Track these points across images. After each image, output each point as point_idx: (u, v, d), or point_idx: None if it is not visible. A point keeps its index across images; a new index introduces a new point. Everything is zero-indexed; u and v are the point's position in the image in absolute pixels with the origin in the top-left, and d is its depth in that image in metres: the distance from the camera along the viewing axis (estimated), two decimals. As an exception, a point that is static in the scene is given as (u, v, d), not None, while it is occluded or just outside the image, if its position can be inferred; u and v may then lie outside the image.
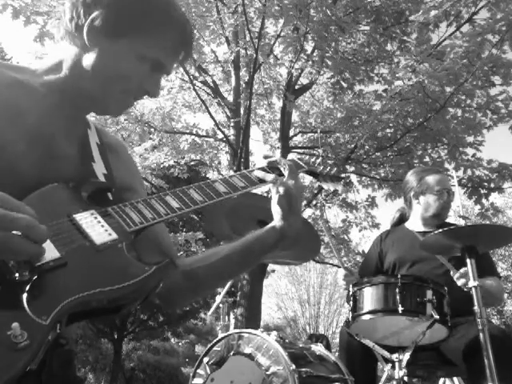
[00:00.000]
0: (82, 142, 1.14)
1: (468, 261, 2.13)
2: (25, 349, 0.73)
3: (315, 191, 8.47)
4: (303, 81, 9.11)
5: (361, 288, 2.24)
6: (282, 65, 8.51)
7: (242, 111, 8.29)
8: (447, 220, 2.87)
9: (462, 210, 2.67)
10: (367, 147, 8.31)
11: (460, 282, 2.24)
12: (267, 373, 2.03)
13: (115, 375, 14.67)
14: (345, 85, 8.62)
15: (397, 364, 2.11)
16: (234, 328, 2.38)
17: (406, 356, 2.10)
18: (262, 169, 1.27)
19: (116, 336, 14.92)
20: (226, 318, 2.60)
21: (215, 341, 2.28)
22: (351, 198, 9.43)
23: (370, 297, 2.20)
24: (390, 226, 3.04)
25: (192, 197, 1.10)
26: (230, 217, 2.20)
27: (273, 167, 1.28)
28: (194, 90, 8.11)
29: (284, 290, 23.81)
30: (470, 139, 7.80)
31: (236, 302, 7.84)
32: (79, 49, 1.08)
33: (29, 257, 0.79)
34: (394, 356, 2.14)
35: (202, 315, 15.98)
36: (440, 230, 2.15)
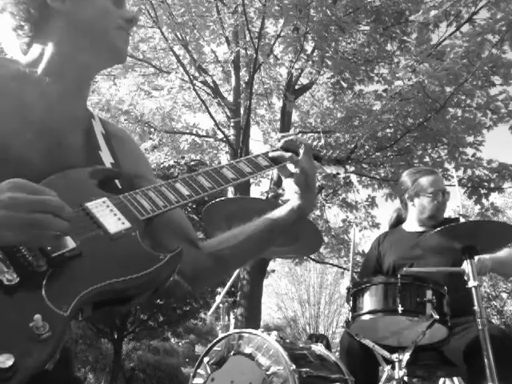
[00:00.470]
0: (88, 131, 1.15)
1: (468, 261, 2.13)
2: (47, 340, 0.73)
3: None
4: (303, 81, 9.13)
5: (361, 288, 2.24)
6: (282, 65, 8.51)
7: (242, 111, 8.29)
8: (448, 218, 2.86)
9: (461, 209, 2.68)
10: (367, 147, 8.31)
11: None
12: (267, 373, 2.03)
13: (115, 375, 14.66)
14: (345, 85, 8.63)
15: (397, 364, 2.12)
16: (234, 328, 2.38)
17: (406, 356, 2.10)
18: (277, 150, 1.28)
19: (116, 336, 14.91)
20: (226, 318, 2.60)
21: (215, 341, 2.28)
22: (351, 197, 9.44)
23: (369, 297, 2.20)
24: (388, 227, 3.04)
25: (201, 184, 1.11)
26: (230, 221, 2.20)
27: (286, 148, 1.30)
28: (194, 90, 8.11)
29: (284, 290, 23.83)
30: (470, 139, 7.81)
31: (236, 302, 7.84)
32: (53, 24, 1.10)
33: (66, 234, 0.83)
34: (394, 356, 2.14)
35: (202, 315, 15.96)
36: (439, 229, 2.14)
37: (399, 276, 2.19)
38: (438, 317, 2.05)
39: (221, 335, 2.29)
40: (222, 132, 8.13)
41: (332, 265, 10.72)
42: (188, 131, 8.61)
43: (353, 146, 8.09)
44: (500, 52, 6.74)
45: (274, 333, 2.20)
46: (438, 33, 8.20)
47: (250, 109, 7.86)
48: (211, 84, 8.54)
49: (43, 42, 1.11)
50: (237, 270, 2.69)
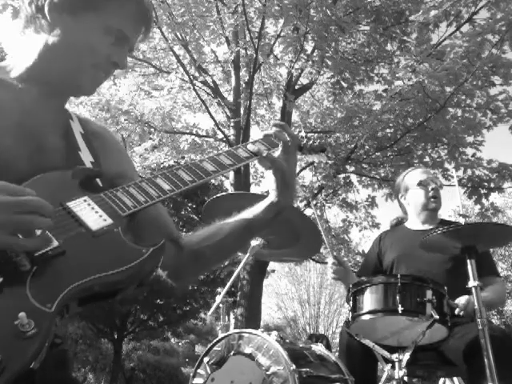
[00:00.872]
0: (66, 132, 1.15)
1: (468, 261, 2.13)
2: (33, 337, 0.74)
3: (315, 191, 8.47)
4: (303, 81, 9.13)
5: (361, 288, 2.24)
6: (282, 65, 8.51)
7: (242, 111, 8.28)
8: (447, 219, 2.87)
9: (461, 209, 2.68)
10: (367, 147, 8.31)
11: (460, 312, 2.25)
12: (267, 373, 2.03)
13: (115, 375, 14.66)
14: (345, 85, 8.63)
15: (397, 364, 2.11)
16: (234, 328, 2.37)
17: (406, 356, 2.10)
18: (260, 142, 1.29)
19: (116, 336, 14.91)
20: (226, 318, 2.59)
21: (215, 341, 2.27)
22: (351, 197, 9.44)
23: (369, 297, 2.20)
24: (389, 227, 3.05)
25: (182, 178, 1.11)
26: (231, 217, 2.21)
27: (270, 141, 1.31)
28: (194, 90, 8.11)
29: (284, 290, 23.84)
30: (470, 139, 7.81)
31: (236, 302, 7.84)
32: (44, 32, 1.09)
33: (50, 230, 0.84)
34: (394, 356, 2.14)
35: (202, 315, 15.96)
36: (440, 229, 2.15)
37: (399, 276, 2.19)
38: (437, 317, 2.05)
39: (221, 335, 2.28)
40: (222, 132, 8.13)
41: (332, 265, 10.69)
42: (188, 131, 8.60)
43: (353, 145, 8.09)
44: (500, 52, 6.74)
45: (274, 333, 2.19)
46: (438, 33, 8.23)
47: (249, 109, 7.86)
48: (211, 84, 8.53)
49: (29, 43, 1.11)
50: (237, 270, 2.68)
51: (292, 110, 8.74)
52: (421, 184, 2.76)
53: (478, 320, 2.00)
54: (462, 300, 2.28)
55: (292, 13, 6.90)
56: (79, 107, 7.87)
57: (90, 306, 0.91)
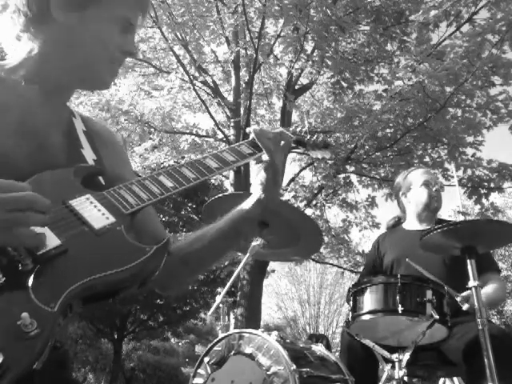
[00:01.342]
0: (69, 129, 1.14)
1: (468, 261, 2.13)
2: (36, 337, 0.74)
3: (315, 191, 8.47)
4: (303, 81, 9.12)
5: (361, 288, 2.24)
6: (282, 65, 8.51)
7: (242, 111, 8.28)
8: (445, 218, 2.88)
9: (461, 209, 2.68)
10: (367, 147, 8.31)
11: (465, 307, 2.25)
12: (268, 373, 2.03)
13: (115, 375, 14.66)
14: (345, 85, 8.62)
15: (397, 364, 2.11)
16: (234, 328, 2.37)
17: (406, 356, 2.10)
18: (252, 143, 1.28)
19: (116, 336, 14.91)
20: (226, 318, 2.59)
21: (216, 340, 2.27)
22: (351, 197, 9.43)
23: (369, 297, 2.20)
24: (386, 229, 3.06)
25: (185, 175, 1.10)
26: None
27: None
28: (194, 90, 8.11)
29: (284, 290, 23.83)
30: (470, 139, 7.81)
31: (236, 302, 7.84)
32: (48, 32, 1.08)
33: (46, 226, 0.82)
34: (394, 356, 2.14)
35: (202, 315, 15.95)
36: (439, 226, 2.14)
37: (399, 276, 2.19)
38: (438, 317, 2.05)
39: (221, 335, 2.28)
40: (222, 132, 8.13)
41: (332, 265, 10.70)
42: (188, 131, 8.60)
43: (353, 146, 8.09)
44: (500, 52, 6.74)
45: (275, 333, 2.19)
46: (438, 33, 8.21)
47: (249, 109, 7.86)
48: (211, 84, 8.54)
49: (32, 43, 1.10)
50: (237, 270, 2.69)
51: (292, 110, 8.74)
52: (425, 183, 2.76)
53: (478, 320, 2.00)
54: (464, 293, 2.28)
55: (292, 13, 6.90)
56: (79, 107, 7.86)
57: (92, 305, 0.90)
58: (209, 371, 2.20)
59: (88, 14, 1.07)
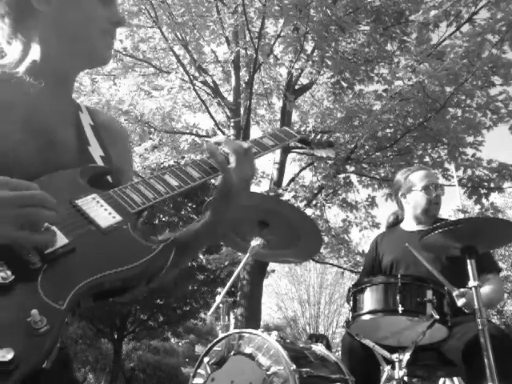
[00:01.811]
0: (76, 125, 1.15)
1: (468, 261, 2.13)
2: (46, 334, 0.75)
3: (315, 191, 8.47)
4: (303, 81, 9.12)
5: (361, 288, 2.24)
6: (282, 65, 8.51)
7: (242, 111, 8.28)
8: (442, 217, 2.87)
9: (461, 207, 2.67)
10: (367, 147, 8.30)
11: (460, 303, 2.24)
12: (268, 373, 2.03)
13: (115, 375, 14.66)
14: (345, 85, 8.62)
15: (397, 364, 2.11)
16: (234, 328, 2.37)
17: (406, 356, 2.10)
18: (268, 138, 1.29)
19: (116, 336, 14.91)
20: (226, 318, 2.59)
21: (216, 341, 2.27)
22: (351, 197, 9.42)
23: (370, 297, 2.20)
24: (386, 228, 3.04)
25: (190, 174, 1.11)
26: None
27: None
28: (194, 90, 8.11)
29: (284, 290, 23.83)
30: (470, 139, 7.81)
31: (236, 302, 7.84)
32: (37, 25, 1.09)
33: (53, 223, 0.84)
34: (394, 356, 2.14)
35: (202, 315, 15.95)
36: (438, 226, 2.14)
37: (399, 276, 2.19)
38: (438, 317, 2.05)
39: (221, 335, 2.28)
40: (222, 132, 8.13)
41: (332, 265, 10.69)
42: (188, 131, 8.60)
43: (353, 146, 8.08)
44: (500, 52, 6.74)
45: (275, 333, 2.19)
46: (438, 33, 8.25)
47: (249, 109, 7.86)
48: (211, 84, 8.54)
49: (25, 40, 1.11)
50: (237, 270, 2.68)
51: (292, 110, 8.74)
52: (426, 188, 2.72)
53: (478, 320, 2.00)
54: (461, 289, 2.27)
55: (292, 13, 6.90)
56: (79, 107, 7.85)
57: (97, 303, 0.92)
58: (209, 371, 2.20)
59: None
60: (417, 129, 7.75)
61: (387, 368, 2.16)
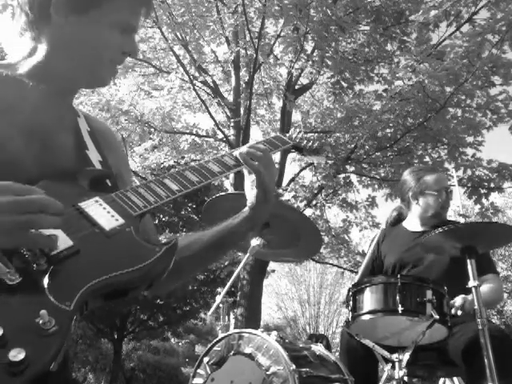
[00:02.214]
0: (74, 130, 1.16)
1: (468, 261, 2.13)
2: (55, 334, 0.76)
3: (315, 191, 8.47)
4: (303, 81, 9.13)
5: (361, 288, 2.24)
6: (282, 65, 8.51)
7: (242, 111, 8.29)
8: (453, 220, 2.86)
9: (461, 209, 2.68)
10: (367, 147, 8.31)
11: (454, 311, 2.25)
12: (267, 373, 2.03)
13: (115, 375, 14.66)
14: (345, 85, 8.62)
15: (397, 364, 2.11)
16: (234, 328, 2.37)
17: (406, 356, 2.10)
18: (263, 144, 1.33)
19: (116, 336, 14.91)
20: (226, 318, 2.59)
21: (215, 341, 2.27)
22: (351, 197, 9.43)
23: (369, 297, 2.20)
24: (387, 225, 2.99)
25: (189, 178, 1.14)
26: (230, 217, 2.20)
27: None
28: (194, 90, 8.11)
29: (284, 290, 23.84)
30: (470, 139, 7.81)
31: (236, 302, 7.84)
32: (49, 33, 1.09)
33: (60, 228, 0.84)
34: (394, 356, 2.14)
35: (202, 315, 15.96)
36: (439, 230, 2.14)
37: (399, 276, 2.19)
38: (438, 317, 2.05)
39: (221, 335, 2.28)
40: (222, 132, 8.13)
41: (332, 265, 10.70)
42: (188, 131, 8.61)
43: (353, 146, 8.09)
44: (500, 52, 6.74)
45: (274, 333, 2.19)
46: (438, 33, 8.23)
47: (249, 109, 7.86)
48: (211, 84, 8.54)
49: (35, 43, 1.11)
50: (237, 270, 2.68)
51: (292, 110, 8.74)
52: (440, 192, 2.68)
53: (478, 320, 2.00)
54: (458, 300, 2.28)
55: (292, 13, 6.90)
56: (79, 107, 7.83)
57: (102, 304, 0.93)
58: (208, 371, 2.20)
59: (89, 17, 1.08)
60: (417, 129, 7.75)
61: (387, 368, 2.16)
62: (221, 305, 2.55)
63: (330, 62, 8.03)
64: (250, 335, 2.18)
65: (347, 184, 9.01)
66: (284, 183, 8.57)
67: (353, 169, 8.64)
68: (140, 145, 8.19)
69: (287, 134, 1.46)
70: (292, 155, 9.29)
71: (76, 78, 1.14)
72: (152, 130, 8.29)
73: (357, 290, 2.25)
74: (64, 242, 0.87)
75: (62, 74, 1.12)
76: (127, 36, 1.13)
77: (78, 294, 0.82)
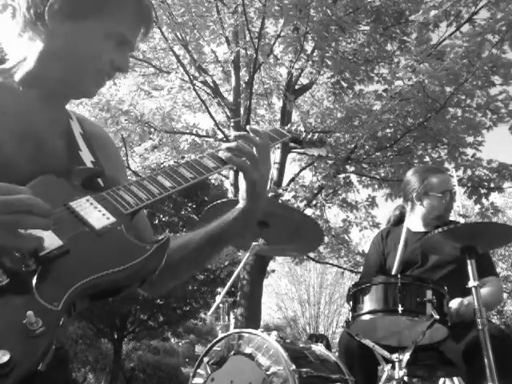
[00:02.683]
0: (66, 132, 1.15)
1: (468, 261, 2.13)
2: (41, 335, 0.75)
3: (315, 191, 8.47)
4: (303, 81, 9.13)
5: (361, 288, 2.24)
6: (281, 65, 8.51)
7: (242, 111, 8.28)
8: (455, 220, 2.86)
9: (461, 209, 2.68)
10: (367, 147, 8.31)
11: (461, 318, 2.24)
12: (267, 373, 2.03)
13: (115, 375, 14.67)
14: (345, 85, 8.63)
15: (397, 364, 2.11)
16: (234, 328, 2.37)
17: (406, 356, 2.09)
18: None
19: (116, 336, 14.91)
20: (226, 318, 2.59)
21: (215, 340, 2.27)
22: (351, 197, 9.43)
23: (369, 297, 2.19)
24: (389, 224, 2.98)
25: (183, 175, 1.12)
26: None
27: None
28: (194, 90, 8.11)
29: (284, 290, 23.83)
30: (470, 139, 7.81)
31: (236, 302, 7.84)
32: (43, 37, 1.09)
33: (43, 229, 0.83)
34: (394, 356, 2.13)
35: (202, 315, 15.96)
36: (440, 230, 2.14)
37: (399, 276, 2.19)
38: (438, 317, 2.05)
39: (221, 335, 2.28)
40: (222, 132, 8.13)
41: (332, 265, 10.70)
42: (188, 131, 8.60)
43: (353, 146, 8.09)
44: (500, 52, 6.74)
45: (274, 333, 2.19)
46: (438, 33, 8.23)
47: (249, 109, 7.86)
48: (211, 84, 8.54)
49: (30, 45, 1.11)
50: (237, 270, 2.68)
51: (292, 110, 8.74)
52: (445, 194, 2.66)
53: (478, 320, 2.00)
54: (454, 304, 2.26)
55: (292, 13, 6.90)
56: (79, 107, 7.87)
57: (93, 303, 0.92)
58: (208, 371, 2.20)
59: (85, 24, 1.07)
60: (417, 129, 7.75)
61: (387, 368, 2.16)
62: (221, 305, 2.55)
63: (330, 62, 8.03)
64: (250, 335, 2.18)
65: (347, 184, 9.01)
66: (284, 183, 8.58)
67: (353, 169, 8.64)
68: (140, 145, 8.19)
69: (285, 128, 1.42)
70: (292, 155, 9.31)
71: (64, 84, 1.13)
72: (152, 129, 8.29)
73: (357, 290, 2.25)
74: (54, 241, 0.86)
75: (53, 80, 1.11)
76: (121, 50, 1.12)
77: (67, 294, 0.81)
